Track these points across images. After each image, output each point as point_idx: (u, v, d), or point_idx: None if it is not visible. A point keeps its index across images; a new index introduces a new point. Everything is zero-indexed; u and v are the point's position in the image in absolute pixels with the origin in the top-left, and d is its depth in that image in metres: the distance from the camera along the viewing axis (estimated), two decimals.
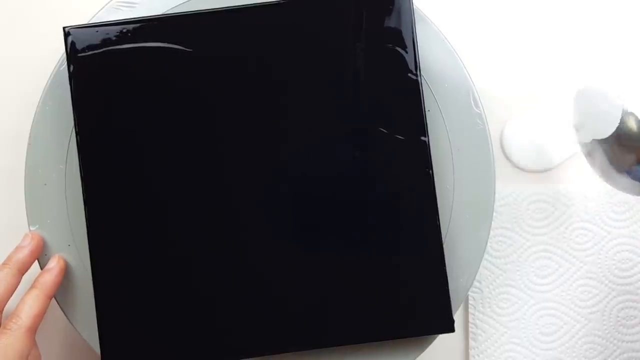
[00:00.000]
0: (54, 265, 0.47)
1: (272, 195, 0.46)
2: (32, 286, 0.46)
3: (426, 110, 0.47)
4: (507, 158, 0.52)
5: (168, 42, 0.46)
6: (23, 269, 0.47)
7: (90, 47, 0.46)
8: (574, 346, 0.51)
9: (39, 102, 0.48)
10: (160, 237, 0.47)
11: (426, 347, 0.48)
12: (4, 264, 0.46)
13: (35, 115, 0.49)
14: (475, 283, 0.51)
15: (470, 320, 0.51)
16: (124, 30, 0.46)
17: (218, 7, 0.47)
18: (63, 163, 0.48)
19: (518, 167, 0.52)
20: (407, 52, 0.46)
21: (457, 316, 0.51)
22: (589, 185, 0.52)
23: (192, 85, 0.47)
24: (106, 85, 0.47)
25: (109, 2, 0.49)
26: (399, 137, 0.46)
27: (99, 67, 0.46)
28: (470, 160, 0.48)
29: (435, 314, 0.46)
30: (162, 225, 0.47)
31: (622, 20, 0.53)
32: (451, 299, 0.46)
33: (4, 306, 0.45)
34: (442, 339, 0.48)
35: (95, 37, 0.46)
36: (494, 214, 0.49)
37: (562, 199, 0.52)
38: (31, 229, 0.48)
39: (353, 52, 0.46)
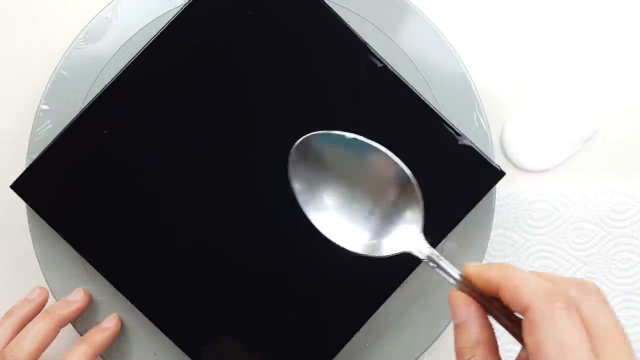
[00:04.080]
0: (111, 326, 0.46)
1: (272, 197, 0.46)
2: (82, 340, 0.44)
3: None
4: (507, 158, 0.52)
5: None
6: (63, 324, 0.45)
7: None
8: None
9: (39, 103, 0.48)
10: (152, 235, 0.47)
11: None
12: (46, 312, 0.44)
13: (36, 116, 0.49)
14: None
15: None
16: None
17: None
18: None
19: (518, 167, 0.52)
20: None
21: None
22: (589, 185, 0.52)
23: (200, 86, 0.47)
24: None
25: (84, 29, 0.49)
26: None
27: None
28: None
29: (481, 175, 0.46)
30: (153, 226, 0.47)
31: (624, 19, 0.53)
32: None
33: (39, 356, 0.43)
34: (446, 338, 0.47)
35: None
36: (494, 213, 0.48)
37: (562, 199, 0.52)
38: (42, 107, 0.48)
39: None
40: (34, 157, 0.47)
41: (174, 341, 0.46)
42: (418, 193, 0.37)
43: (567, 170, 0.52)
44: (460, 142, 0.46)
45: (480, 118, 0.48)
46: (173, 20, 0.47)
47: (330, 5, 0.47)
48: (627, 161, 0.52)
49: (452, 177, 0.46)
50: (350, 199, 0.39)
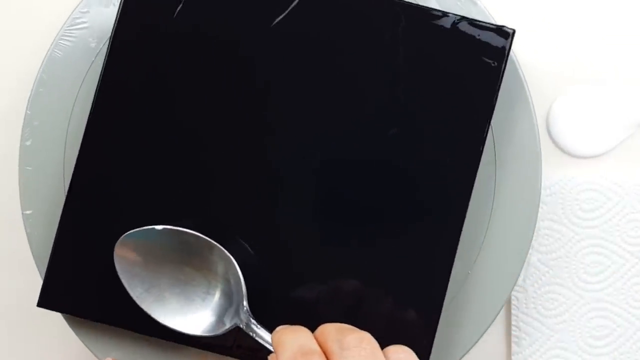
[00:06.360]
0: None
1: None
2: None
3: None
4: (554, 142, 0.51)
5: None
6: None
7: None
8: (628, 351, 0.50)
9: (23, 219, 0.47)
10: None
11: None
12: None
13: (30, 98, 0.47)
14: (519, 281, 0.50)
15: (513, 322, 0.50)
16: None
17: None
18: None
19: (566, 152, 0.51)
20: None
21: (499, 318, 0.50)
22: None
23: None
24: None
25: None
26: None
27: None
28: (513, 144, 0.47)
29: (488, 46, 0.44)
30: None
31: None
32: (492, 300, 0.46)
33: None
34: (481, 343, 0.47)
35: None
36: (540, 204, 0.47)
37: (615, 188, 0.50)
38: (25, 213, 0.47)
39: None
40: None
41: None
42: (233, 261, 0.42)
43: (621, 156, 0.51)
44: (450, 25, 0.45)
45: (524, 96, 0.46)
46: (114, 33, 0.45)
47: None
48: None
49: (460, 68, 0.45)
50: (184, 284, 0.43)
